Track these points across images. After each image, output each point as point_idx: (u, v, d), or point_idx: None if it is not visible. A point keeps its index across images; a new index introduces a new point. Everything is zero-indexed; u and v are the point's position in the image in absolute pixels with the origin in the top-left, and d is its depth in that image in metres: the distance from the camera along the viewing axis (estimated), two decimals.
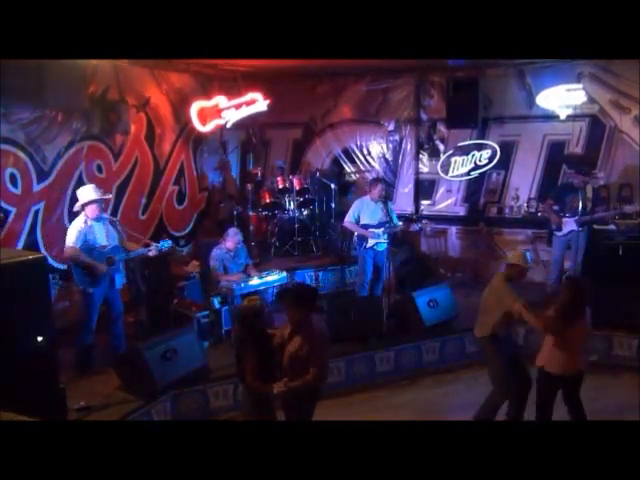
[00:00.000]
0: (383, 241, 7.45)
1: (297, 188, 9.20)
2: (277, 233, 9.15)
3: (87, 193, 5.81)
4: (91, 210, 5.76)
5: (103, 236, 5.83)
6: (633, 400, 5.60)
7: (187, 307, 6.97)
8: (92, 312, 5.82)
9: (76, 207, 5.88)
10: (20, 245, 6.48)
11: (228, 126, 9.09)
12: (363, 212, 7.45)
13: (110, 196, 6.21)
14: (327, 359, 4.50)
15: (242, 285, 6.62)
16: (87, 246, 5.69)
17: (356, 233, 7.56)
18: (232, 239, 6.86)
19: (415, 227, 7.72)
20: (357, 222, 7.47)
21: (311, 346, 4.21)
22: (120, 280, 6.11)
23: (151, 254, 6.09)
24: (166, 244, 6.19)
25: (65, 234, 5.80)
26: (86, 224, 5.73)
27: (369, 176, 9.71)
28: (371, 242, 7.40)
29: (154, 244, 6.12)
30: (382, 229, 7.40)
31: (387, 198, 7.85)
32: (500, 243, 9.31)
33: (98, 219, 5.81)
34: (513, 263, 5.06)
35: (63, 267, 6.63)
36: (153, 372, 5.33)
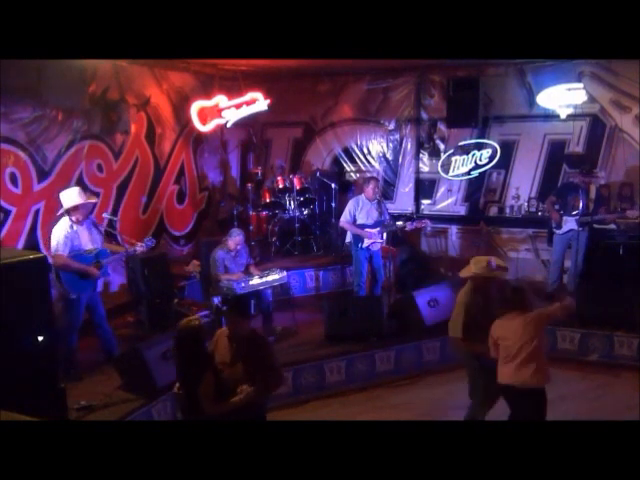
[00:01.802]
0: (379, 241, 7.45)
1: (297, 187, 9.20)
2: (277, 232, 9.16)
3: (72, 197, 5.66)
4: (77, 213, 5.65)
5: (87, 240, 5.72)
6: (633, 400, 5.60)
7: (187, 307, 6.97)
8: (78, 317, 5.78)
9: (60, 211, 5.74)
10: (20, 245, 6.48)
11: (228, 125, 9.09)
12: (359, 212, 7.45)
13: (95, 200, 6.09)
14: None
15: (242, 285, 6.62)
16: (74, 251, 5.61)
17: (349, 233, 7.56)
18: (233, 239, 6.86)
19: (411, 225, 7.71)
20: (353, 222, 7.47)
21: (262, 352, 4.08)
22: (100, 283, 6.08)
23: (138, 250, 6.04)
24: (150, 242, 6.16)
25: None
26: (72, 229, 5.61)
27: (367, 175, 9.72)
28: (367, 242, 7.40)
29: (139, 243, 6.08)
30: (378, 229, 7.40)
31: (382, 197, 7.85)
32: (500, 243, 9.31)
33: (82, 222, 5.70)
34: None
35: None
36: (153, 372, 5.33)
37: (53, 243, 5.60)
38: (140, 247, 6.03)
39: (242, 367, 4.01)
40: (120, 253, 6.02)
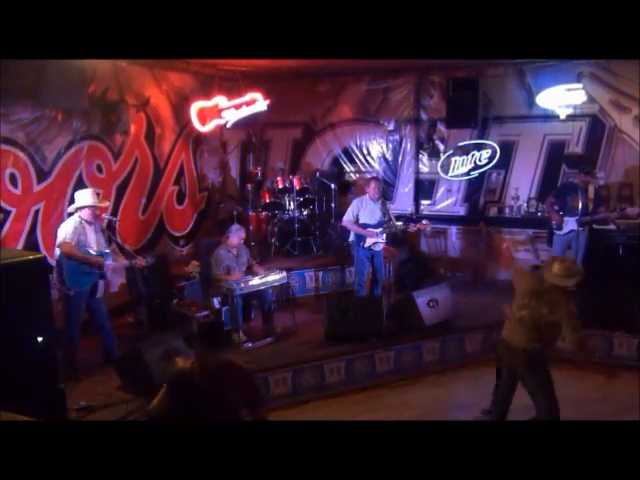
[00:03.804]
0: (381, 241, 7.45)
1: (297, 188, 9.21)
2: (277, 233, 9.16)
3: (84, 197, 5.83)
4: (86, 213, 5.79)
5: (93, 241, 5.84)
6: (633, 400, 5.60)
7: (187, 307, 6.97)
8: (79, 313, 5.81)
9: (70, 209, 5.91)
10: (20, 245, 6.47)
11: (228, 126, 9.09)
12: (362, 211, 7.46)
13: (107, 204, 6.19)
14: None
15: (242, 285, 6.62)
16: (80, 246, 5.71)
17: (352, 232, 7.57)
18: (236, 234, 6.86)
19: (414, 227, 7.71)
20: (356, 221, 7.48)
21: (243, 382, 3.69)
22: (101, 289, 6.13)
23: (138, 264, 6.08)
24: (150, 260, 6.24)
25: None
26: (81, 224, 5.76)
27: (368, 176, 9.73)
28: (369, 242, 7.40)
29: (139, 257, 6.13)
30: (380, 229, 7.40)
31: (384, 197, 7.86)
32: (500, 243, 9.31)
33: (90, 223, 5.84)
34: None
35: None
36: (153, 372, 5.32)
37: (60, 234, 5.71)
38: (141, 261, 6.09)
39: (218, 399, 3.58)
40: (120, 263, 6.08)
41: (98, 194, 6.17)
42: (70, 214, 5.93)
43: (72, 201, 6.04)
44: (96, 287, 5.97)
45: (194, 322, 6.51)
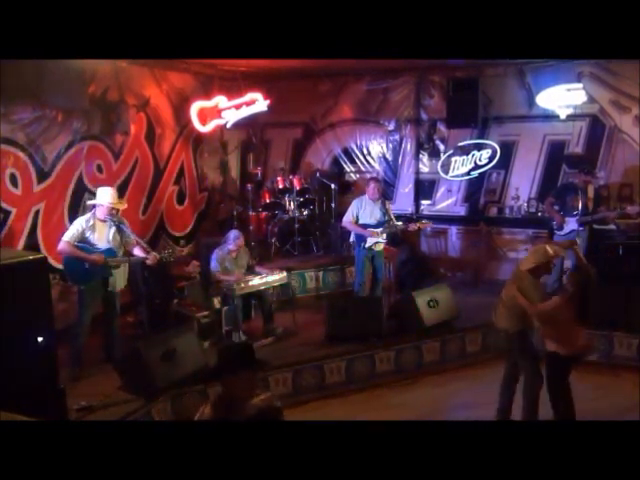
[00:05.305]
0: (382, 241, 7.45)
1: (297, 188, 9.21)
2: (277, 233, 9.15)
3: (103, 196, 5.85)
4: (101, 211, 5.82)
5: (104, 237, 5.83)
6: (633, 400, 5.60)
7: (187, 307, 6.97)
8: (83, 310, 5.82)
9: (90, 202, 6.06)
10: (20, 246, 6.48)
11: (228, 126, 9.09)
12: (362, 211, 7.45)
13: (124, 206, 6.14)
14: None
15: (242, 285, 6.62)
16: (82, 244, 5.72)
17: (353, 233, 7.57)
18: (233, 243, 6.84)
19: (413, 226, 7.71)
20: (356, 221, 7.47)
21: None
22: (119, 284, 6.07)
23: (149, 262, 6.02)
24: (165, 255, 6.14)
25: None
26: (88, 223, 5.77)
27: (368, 176, 9.73)
28: (369, 242, 7.40)
29: (154, 253, 6.07)
30: (380, 229, 7.40)
31: (384, 197, 7.85)
32: (500, 243, 9.31)
33: (104, 220, 5.84)
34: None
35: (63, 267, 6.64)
36: (153, 372, 5.33)
37: (67, 231, 5.79)
38: (153, 259, 6.01)
39: None
40: (137, 257, 6.04)
41: (120, 197, 6.18)
42: (91, 206, 6.02)
43: (84, 196, 6.20)
44: (107, 280, 5.91)
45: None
